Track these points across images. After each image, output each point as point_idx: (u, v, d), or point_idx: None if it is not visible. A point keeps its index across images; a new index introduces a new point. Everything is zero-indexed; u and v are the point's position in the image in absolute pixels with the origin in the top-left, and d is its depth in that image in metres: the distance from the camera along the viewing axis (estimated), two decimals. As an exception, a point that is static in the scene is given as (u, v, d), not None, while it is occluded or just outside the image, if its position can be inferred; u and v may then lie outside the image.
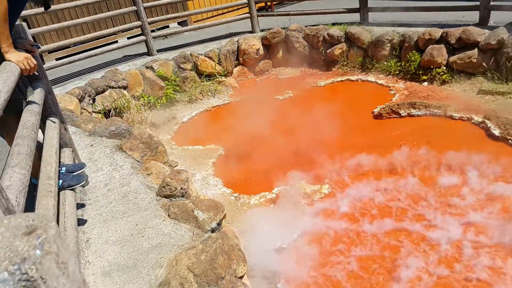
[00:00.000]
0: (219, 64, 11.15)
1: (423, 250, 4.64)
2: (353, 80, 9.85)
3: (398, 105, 7.78)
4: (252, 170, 6.93)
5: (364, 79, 9.70)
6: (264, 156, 7.13)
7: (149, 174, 5.26)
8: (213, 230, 3.83)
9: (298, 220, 5.53)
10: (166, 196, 4.48)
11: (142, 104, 9.54)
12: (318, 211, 5.65)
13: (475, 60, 7.87)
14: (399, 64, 9.26)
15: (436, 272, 4.31)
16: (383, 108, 7.92)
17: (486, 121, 6.58)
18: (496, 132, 6.32)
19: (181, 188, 4.43)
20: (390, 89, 8.86)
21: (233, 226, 5.55)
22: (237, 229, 5.48)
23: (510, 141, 6.05)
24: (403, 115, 7.62)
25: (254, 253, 5.03)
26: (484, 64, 7.81)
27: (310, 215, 5.58)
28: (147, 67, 10.30)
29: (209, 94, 10.58)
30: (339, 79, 10.12)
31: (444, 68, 8.34)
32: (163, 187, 4.51)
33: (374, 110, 8.01)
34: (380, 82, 9.31)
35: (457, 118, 7.06)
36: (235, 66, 11.50)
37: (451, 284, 4.15)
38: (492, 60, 7.72)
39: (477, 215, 4.91)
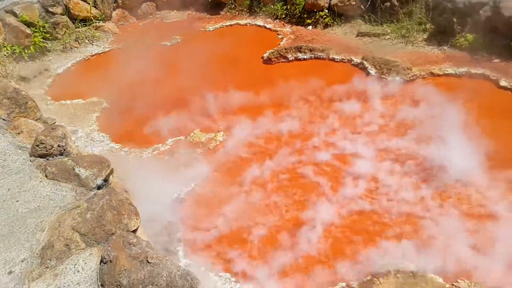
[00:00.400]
0: (95, 7, 9.96)
1: (330, 182, 4.97)
2: (242, 25, 9.72)
3: (285, 49, 7.94)
4: (142, 123, 6.53)
5: (252, 23, 9.65)
6: (153, 107, 6.75)
7: (19, 133, 4.58)
8: (99, 187, 3.53)
9: (194, 169, 5.44)
10: (42, 156, 3.97)
11: (5, 55, 8.14)
12: (215, 158, 5.63)
13: (354, 3, 8.35)
14: (285, 7, 9.39)
15: (351, 205, 4.67)
16: (272, 53, 8.01)
17: (364, 62, 7.10)
18: (373, 71, 6.88)
19: (58, 146, 3.95)
20: (278, 34, 8.98)
21: (125, 181, 5.24)
22: (131, 184, 5.20)
23: (384, 78, 6.66)
24: (291, 59, 7.83)
25: (151, 206, 4.84)
26: (362, 7, 8.36)
27: (207, 163, 5.53)
28: (6, 11, 8.70)
29: (86, 41, 9.47)
30: (228, 23, 9.89)
31: (327, 11, 8.69)
32: (37, 146, 3.97)
33: (264, 55, 8.05)
34: (268, 26, 9.37)
35: (338, 60, 7.49)
36: (114, 9, 10.42)
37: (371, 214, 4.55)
38: (369, 3, 8.27)
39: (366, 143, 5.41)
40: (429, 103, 5.96)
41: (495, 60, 6.50)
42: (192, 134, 6.14)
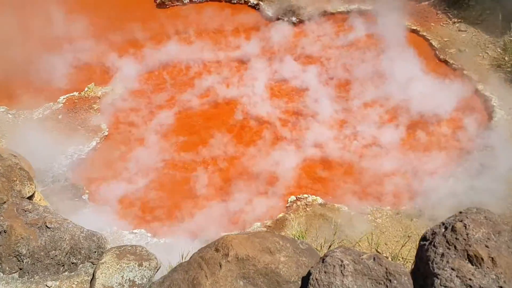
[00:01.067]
0: None
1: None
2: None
3: (180, -9, 7.47)
4: (25, 80, 5.77)
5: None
6: (36, 62, 5.97)
7: None
8: (-20, 156, 3.12)
9: (93, 127, 5.09)
10: None
11: None
12: (113, 112, 5.30)
13: None
14: None
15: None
16: (165, -5, 7.48)
17: (261, 3, 7.04)
18: (270, 12, 6.88)
19: None
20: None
21: (15, 146, 4.72)
22: (24, 149, 4.72)
23: (281, 19, 6.72)
24: (186, 2, 7.43)
25: (50, 170, 4.50)
26: None
27: (106, 118, 5.20)
28: None
29: None
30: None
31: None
32: None
33: (157, -1, 7.50)
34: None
35: (235, 2, 7.30)
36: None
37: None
38: None
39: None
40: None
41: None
42: (86, 89, 5.65)
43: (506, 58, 5.32)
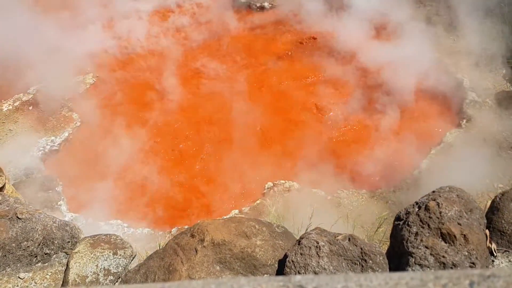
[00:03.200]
0: None
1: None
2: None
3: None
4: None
5: None
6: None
7: None
8: None
9: (64, 117, 4.94)
10: None
11: None
12: (88, 101, 5.15)
13: None
14: None
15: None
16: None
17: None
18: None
19: None
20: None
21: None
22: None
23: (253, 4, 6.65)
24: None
25: (22, 163, 4.36)
26: None
27: (79, 109, 5.05)
28: None
29: None
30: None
31: None
32: None
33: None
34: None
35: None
36: None
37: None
38: None
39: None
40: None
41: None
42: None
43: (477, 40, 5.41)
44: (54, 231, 2.41)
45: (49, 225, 2.42)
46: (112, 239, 2.34)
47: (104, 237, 2.36)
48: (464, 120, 4.44)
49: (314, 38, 5.91)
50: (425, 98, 4.89)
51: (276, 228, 2.44)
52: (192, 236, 2.15)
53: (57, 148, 4.58)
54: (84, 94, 5.27)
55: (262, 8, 6.56)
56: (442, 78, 4.93)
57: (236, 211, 3.99)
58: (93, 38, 5.89)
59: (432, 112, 4.74)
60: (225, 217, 3.90)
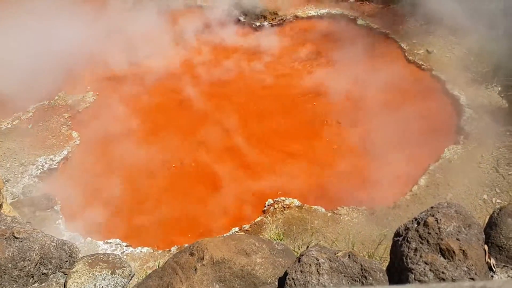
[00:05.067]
0: None
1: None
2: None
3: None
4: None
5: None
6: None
7: None
8: None
9: (64, 136, 4.96)
10: None
11: None
12: (86, 122, 5.19)
13: None
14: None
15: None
16: None
17: (232, 8, 7.08)
18: (242, 18, 6.92)
19: None
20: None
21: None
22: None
23: (254, 24, 6.77)
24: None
25: (20, 181, 4.36)
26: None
27: (77, 127, 5.08)
28: None
29: None
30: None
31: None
32: None
33: None
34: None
35: (206, 6, 7.30)
36: None
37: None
38: None
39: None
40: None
41: (352, 0, 7.03)
42: (56, 97, 5.51)
43: (471, 58, 5.51)
44: (52, 250, 2.39)
45: (46, 244, 2.40)
46: (110, 258, 2.32)
47: (102, 256, 2.34)
48: (462, 136, 4.47)
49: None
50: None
51: (276, 245, 2.42)
52: (192, 254, 2.14)
53: (56, 166, 4.58)
54: (84, 112, 5.30)
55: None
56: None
57: (236, 228, 3.97)
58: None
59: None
60: (225, 235, 3.88)
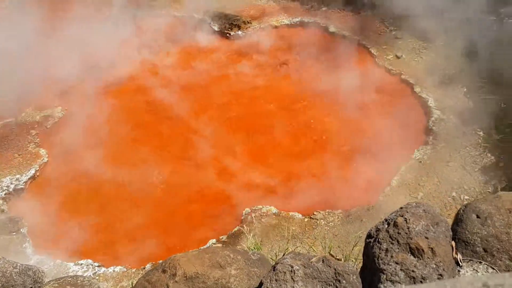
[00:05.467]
0: None
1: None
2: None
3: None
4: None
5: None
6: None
7: None
8: None
9: (32, 154, 4.79)
10: None
11: None
12: (54, 138, 5.04)
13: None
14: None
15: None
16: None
17: (206, 18, 7.09)
18: (216, 27, 6.94)
19: None
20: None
21: None
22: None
23: (227, 34, 6.79)
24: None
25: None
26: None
27: (47, 145, 4.93)
28: None
29: None
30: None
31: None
32: None
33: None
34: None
35: (179, 16, 7.28)
36: None
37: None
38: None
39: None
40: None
41: (324, 8, 7.15)
42: (23, 114, 5.32)
43: (438, 62, 5.70)
44: (15, 277, 2.28)
45: (8, 272, 2.28)
46: (79, 281, 2.23)
47: (70, 279, 2.25)
48: (431, 137, 4.58)
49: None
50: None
51: (251, 256, 2.40)
52: (164, 271, 2.09)
53: (22, 186, 4.42)
54: (52, 128, 5.15)
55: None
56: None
57: (214, 240, 3.91)
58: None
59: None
60: (202, 247, 3.81)
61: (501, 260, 1.93)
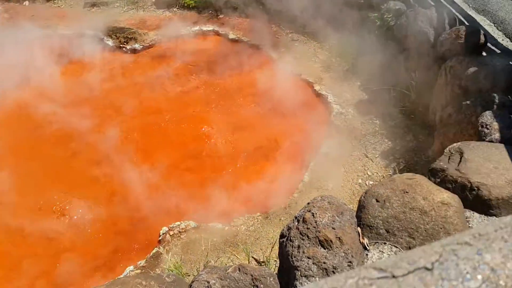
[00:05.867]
0: None
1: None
2: None
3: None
4: None
5: None
6: None
7: None
8: None
9: None
10: None
11: None
12: None
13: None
14: (-14, -19, 7.74)
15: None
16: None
17: (99, 33, 6.69)
18: (110, 42, 6.59)
19: None
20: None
21: None
22: None
23: (124, 47, 6.50)
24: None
25: None
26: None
27: None
28: None
29: None
30: None
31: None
32: None
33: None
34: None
35: (70, 34, 6.80)
36: None
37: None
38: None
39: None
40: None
41: (221, 16, 7.20)
42: None
43: (333, 59, 6.07)
44: None
45: None
46: None
47: None
48: (334, 130, 4.84)
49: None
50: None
51: (166, 278, 2.27)
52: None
53: None
54: None
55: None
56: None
57: (131, 267, 3.65)
58: None
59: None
60: (120, 276, 3.54)
61: (402, 238, 2.06)
